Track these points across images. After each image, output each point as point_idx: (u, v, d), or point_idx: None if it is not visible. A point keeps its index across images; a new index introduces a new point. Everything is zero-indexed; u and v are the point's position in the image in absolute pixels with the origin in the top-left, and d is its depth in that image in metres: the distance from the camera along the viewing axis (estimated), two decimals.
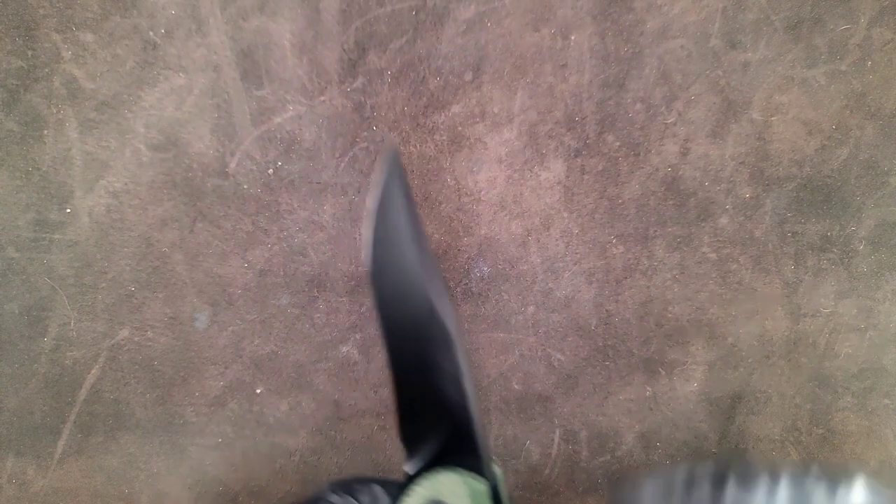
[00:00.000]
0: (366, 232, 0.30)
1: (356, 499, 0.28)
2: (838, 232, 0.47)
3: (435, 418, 0.28)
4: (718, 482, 0.19)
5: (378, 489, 0.29)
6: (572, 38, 0.43)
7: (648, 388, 0.49)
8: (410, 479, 0.28)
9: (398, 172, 0.30)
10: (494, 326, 0.47)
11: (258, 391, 0.47)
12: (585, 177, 0.45)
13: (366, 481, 0.30)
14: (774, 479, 0.18)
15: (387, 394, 0.47)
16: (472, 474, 0.28)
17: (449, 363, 0.28)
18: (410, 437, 0.29)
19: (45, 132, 0.42)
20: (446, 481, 0.27)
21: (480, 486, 0.27)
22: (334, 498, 0.28)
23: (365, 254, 0.29)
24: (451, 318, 0.29)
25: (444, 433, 0.28)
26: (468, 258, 0.46)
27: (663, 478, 0.20)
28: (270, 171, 0.43)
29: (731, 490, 0.19)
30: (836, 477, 0.18)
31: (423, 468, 0.28)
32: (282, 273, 0.45)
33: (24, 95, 0.41)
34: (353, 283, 0.46)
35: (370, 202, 0.29)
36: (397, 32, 0.42)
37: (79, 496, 0.47)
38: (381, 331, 0.29)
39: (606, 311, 0.47)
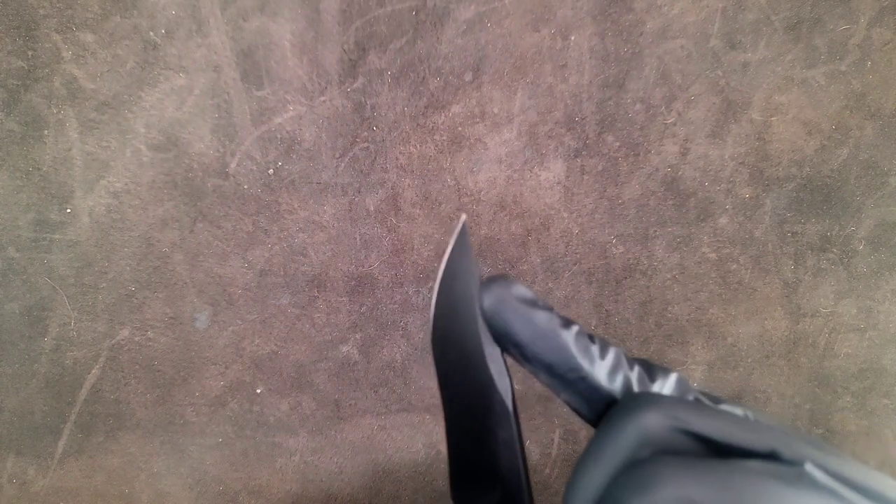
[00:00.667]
0: (432, 302, 0.31)
1: None
2: (838, 232, 0.47)
3: (488, 485, 0.30)
4: (565, 324, 0.20)
5: None
6: (572, 38, 0.43)
7: None
8: None
9: (466, 243, 0.32)
10: None
11: (258, 391, 0.47)
12: (585, 177, 0.45)
13: None
14: (605, 349, 0.20)
15: (387, 394, 0.47)
16: None
17: (506, 432, 0.30)
18: (463, 500, 0.30)
19: (46, 132, 0.42)
20: None
21: None
22: None
23: (428, 324, 0.31)
24: (508, 388, 0.30)
25: (495, 500, 0.29)
26: None
27: (532, 298, 0.21)
28: (271, 171, 0.43)
29: (570, 333, 0.20)
30: (654, 370, 0.20)
31: None
32: (282, 273, 0.45)
33: (25, 95, 0.41)
34: (353, 283, 0.46)
35: (439, 272, 0.31)
36: (397, 33, 0.42)
37: (79, 496, 0.47)
38: (442, 399, 0.31)
39: (606, 311, 0.47)
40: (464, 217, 0.34)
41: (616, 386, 0.19)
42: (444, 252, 0.31)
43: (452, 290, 0.31)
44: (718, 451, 0.16)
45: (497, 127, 0.44)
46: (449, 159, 0.44)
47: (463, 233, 0.32)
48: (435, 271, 0.46)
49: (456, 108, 0.43)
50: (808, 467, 0.15)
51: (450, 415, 0.30)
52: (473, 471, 0.30)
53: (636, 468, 0.15)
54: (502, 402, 0.29)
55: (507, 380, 0.31)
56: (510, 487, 0.28)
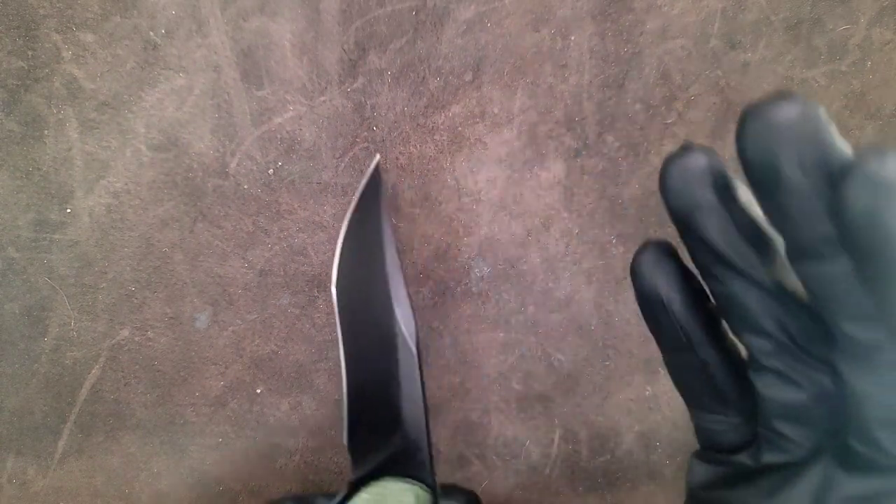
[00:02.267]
0: (339, 240, 0.30)
1: None
2: None
3: (388, 431, 0.29)
4: None
5: (322, 501, 0.30)
6: (572, 38, 0.43)
7: (648, 388, 0.49)
8: (355, 487, 0.28)
9: (378, 186, 0.32)
10: (494, 326, 0.47)
11: (258, 391, 0.47)
12: (585, 177, 0.45)
13: (306, 498, 0.31)
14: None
15: None
16: (418, 483, 0.29)
17: (408, 378, 0.29)
18: (360, 446, 0.29)
19: (46, 132, 0.42)
20: (393, 488, 0.28)
21: (425, 494, 0.29)
22: None
23: (335, 263, 0.29)
24: (414, 333, 0.30)
25: (395, 445, 0.28)
26: (468, 258, 0.46)
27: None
28: (271, 171, 0.44)
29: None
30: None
31: (368, 476, 0.29)
32: (282, 273, 0.45)
33: (25, 95, 0.41)
34: None
35: (348, 213, 0.30)
36: (397, 33, 0.42)
37: (79, 496, 0.47)
38: (342, 339, 0.30)
39: (606, 311, 0.47)
40: (377, 158, 0.34)
41: None
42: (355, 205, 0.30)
43: (361, 232, 0.31)
44: None
45: (497, 127, 0.44)
46: (449, 159, 0.44)
47: (375, 176, 0.32)
48: (435, 271, 0.46)
49: (456, 108, 0.43)
50: None
51: (350, 361, 0.30)
52: (372, 418, 0.29)
53: None
54: (406, 346, 0.29)
55: (413, 324, 0.30)
56: (411, 434, 0.28)
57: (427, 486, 0.28)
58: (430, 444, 0.29)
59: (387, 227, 0.31)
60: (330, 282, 0.46)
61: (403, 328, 0.29)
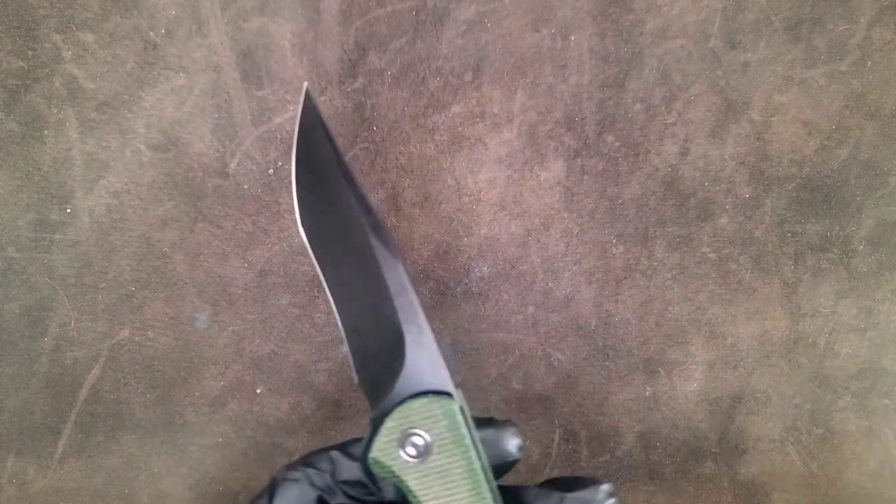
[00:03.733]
0: (292, 184, 0.30)
1: (315, 468, 0.29)
2: (838, 232, 0.47)
3: (395, 354, 0.28)
4: None
5: (336, 454, 0.29)
6: (572, 38, 0.43)
7: (648, 388, 0.49)
8: (379, 421, 0.27)
9: (315, 113, 0.31)
10: (494, 326, 0.47)
11: (258, 391, 0.47)
12: (585, 177, 0.45)
13: (320, 452, 0.31)
14: None
15: None
16: (439, 394, 0.27)
17: (400, 293, 0.28)
18: (371, 380, 0.29)
19: (46, 132, 0.42)
20: (416, 407, 0.27)
21: (452, 403, 0.27)
22: (293, 474, 0.29)
23: (295, 208, 0.30)
24: (392, 240, 0.29)
25: (405, 365, 0.27)
26: (468, 258, 0.46)
27: None
28: (271, 171, 0.44)
29: None
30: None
31: (388, 405, 0.27)
32: (282, 273, 0.45)
33: (25, 95, 0.41)
34: None
35: (293, 151, 0.30)
36: (397, 33, 0.42)
37: (79, 496, 0.47)
38: (324, 279, 0.29)
39: (606, 311, 0.47)
40: (305, 84, 0.33)
41: None
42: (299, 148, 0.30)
43: (311, 162, 0.31)
44: None
45: (497, 127, 0.44)
46: (449, 159, 0.44)
47: (308, 103, 0.31)
48: (435, 271, 0.46)
49: (456, 108, 0.43)
50: None
51: (338, 297, 0.29)
52: (376, 347, 0.28)
53: None
54: (390, 263, 0.28)
55: (389, 237, 0.30)
56: (418, 348, 0.27)
57: (447, 394, 0.27)
58: (440, 345, 0.28)
59: (337, 154, 0.31)
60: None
61: (381, 246, 0.28)
